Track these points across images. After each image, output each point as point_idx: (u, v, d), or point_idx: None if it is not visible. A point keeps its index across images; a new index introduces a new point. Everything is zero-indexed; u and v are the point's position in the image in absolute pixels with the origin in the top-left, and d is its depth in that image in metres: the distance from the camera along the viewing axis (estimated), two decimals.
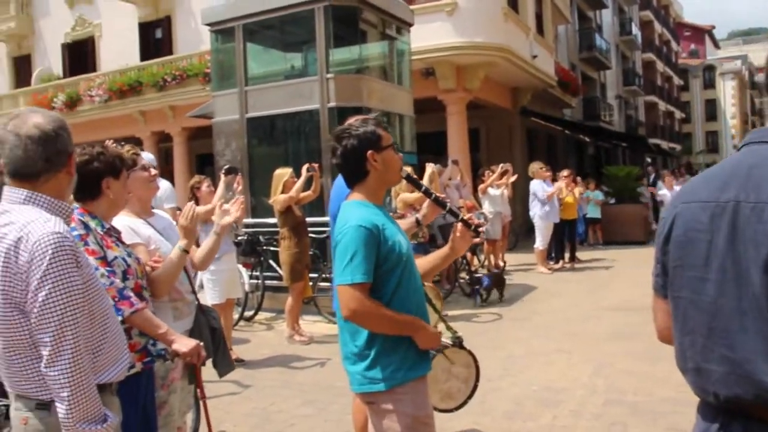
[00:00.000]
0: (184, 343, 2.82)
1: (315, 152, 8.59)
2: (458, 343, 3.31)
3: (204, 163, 19.78)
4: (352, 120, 2.69)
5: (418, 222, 3.38)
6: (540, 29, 19.76)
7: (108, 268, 2.71)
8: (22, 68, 24.82)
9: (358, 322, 2.46)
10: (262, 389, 5.73)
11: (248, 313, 8.36)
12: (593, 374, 5.76)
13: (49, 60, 23.72)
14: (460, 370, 3.29)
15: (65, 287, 1.96)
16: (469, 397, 3.33)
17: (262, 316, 8.52)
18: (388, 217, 2.63)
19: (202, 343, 2.91)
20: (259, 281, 8.41)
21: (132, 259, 2.88)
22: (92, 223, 2.78)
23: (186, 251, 3.14)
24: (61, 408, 1.96)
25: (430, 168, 7.66)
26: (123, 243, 2.94)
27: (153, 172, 3.43)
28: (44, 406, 2.04)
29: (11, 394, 2.14)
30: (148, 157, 5.18)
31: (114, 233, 2.91)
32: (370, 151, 2.54)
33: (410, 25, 10.44)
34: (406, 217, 5.72)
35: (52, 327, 1.94)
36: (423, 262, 2.84)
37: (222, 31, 9.57)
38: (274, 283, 8.36)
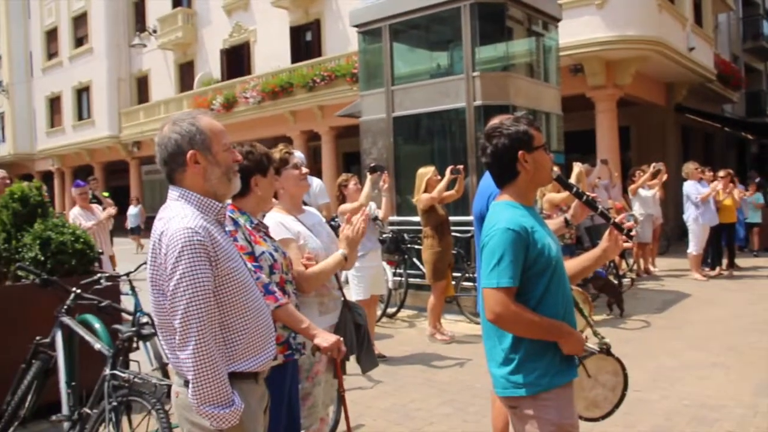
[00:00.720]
0: (325, 338, 2.87)
1: (460, 151, 8.58)
2: (606, 349, 3.18)
3: (350, 162, 20.33)
4: (503, 118, 2.63)
5: (567, 222, 3.28)
6: (698, 19, 18.60)
7: (255, 264, 2.81)
8: (186, 74, 26.87)
9: (502, 326, 2.42)
10: (403, 386, 5.79)
11: (391, 310, 8.49)
12: (756, 393, 5.30)
13: (209, 65, 25.40)
14: (607, 377, 3.14)
15: (191, 278, 2.10)
16: (616, 406, 3.17)
17: (404, 313, 8.62)
18: (538, 218, 2.56)
19: (342, 339, 2.95)
20: (403, 279, 8.51)
21: (279, 253, 2.98)
22: (241, 219, 2.91)
23: (346, 258, 3.24)
24: (190, 389, 2.12)
25: (577, 167, 7.42)
26: (271, 238, 3.04)
27: (304, 170, 3.53)
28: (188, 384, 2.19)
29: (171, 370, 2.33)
30: (298, 155, 5.37)
31: (262, 228, 3.02)
32: (521, 152, 2.47)
33: (558, 20, 10.15)
34: (552, 217, 5.58)
35: (179, 314, 2.09)
36: (571, 265, 2.75)
37: (369, 32, 9.74)
38: (417, 281, 8.45)
